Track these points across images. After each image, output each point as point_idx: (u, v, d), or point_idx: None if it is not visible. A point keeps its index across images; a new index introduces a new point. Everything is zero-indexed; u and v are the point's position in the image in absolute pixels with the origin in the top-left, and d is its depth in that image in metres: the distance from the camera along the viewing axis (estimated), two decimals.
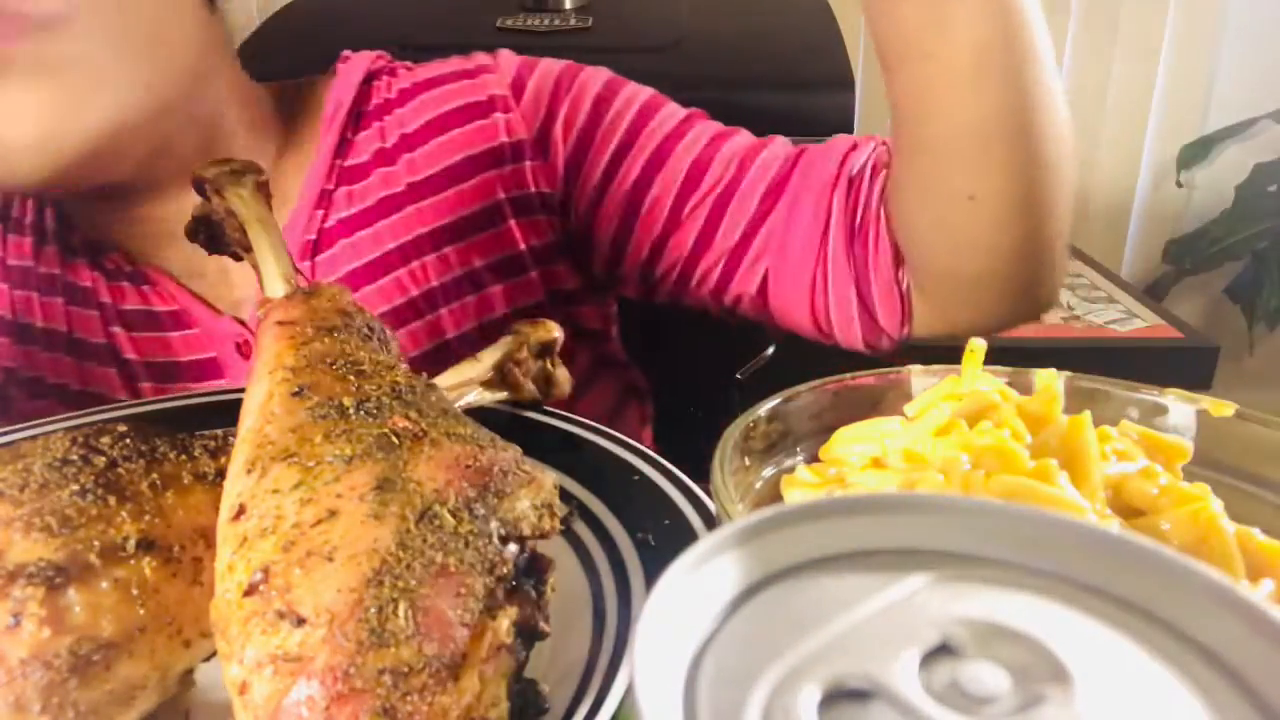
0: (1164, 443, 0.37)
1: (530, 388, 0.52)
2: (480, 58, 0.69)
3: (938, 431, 0.38)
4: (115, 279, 0.64)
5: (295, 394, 0.36)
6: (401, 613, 0.28)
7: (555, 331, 0.53)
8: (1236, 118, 1.75)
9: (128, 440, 0.37)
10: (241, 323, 0.64)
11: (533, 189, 0.66)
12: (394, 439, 0.33)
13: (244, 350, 0.63)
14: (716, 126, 0.67)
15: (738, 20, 1.25)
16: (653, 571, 0.39)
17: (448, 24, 1.33)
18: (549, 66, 0.68)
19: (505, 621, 0.30)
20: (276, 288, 0.43)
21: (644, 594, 0.38)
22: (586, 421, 0.50)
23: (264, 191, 0.46)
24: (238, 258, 0.48)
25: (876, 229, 0.60)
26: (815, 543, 0.20)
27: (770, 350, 0.99)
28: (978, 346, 0.40)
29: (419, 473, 0.32)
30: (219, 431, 0.40)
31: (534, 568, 0.32)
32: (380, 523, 0.30)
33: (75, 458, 0.36)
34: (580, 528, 0.43)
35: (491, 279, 0.66)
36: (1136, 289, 1.54)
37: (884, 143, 0.63)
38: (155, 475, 0.36)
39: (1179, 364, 1.31)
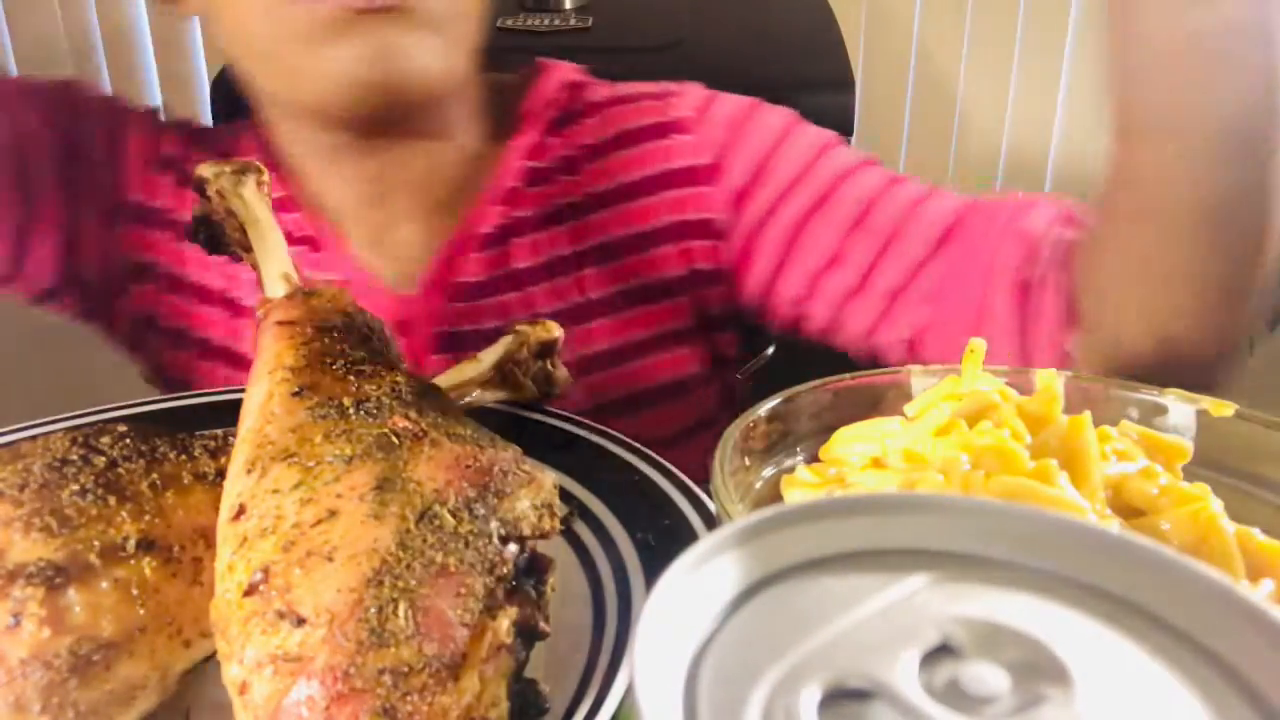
0: (1164, 443, 0.37)
1: (530, 387, 0.52)
2: (668, 85, 0.71)
3: (938, 431, 0.38)
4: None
5: (295, 394, 0.36)
6: (401, 613, 0.28)
7: (555, 331, 0.53)
8: None
9: (128, 440, 0.37)
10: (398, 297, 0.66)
11: (703, 214, 0.68)
12: (394, 439, 0.33)
13: (401, 328, 0.65)
14: (889, 173, 0.67)
15: (738, 20, 1.25)
16: (653, 571, 0.39)
17: None
18: (733, 98, 0.70)
19: (505, 621, 0.30)
20: (277, 288, 0.43)
21: (644, 594, 0.38)
22: (586, 421, 0.50)
23: (264, 191, 0.46)
24: (238, 258, 0.48)
25: (1052, 291, 0.57)
26: (815, 543, 0.20)
27: (770, 350, 0.99)
28: (978, 346, 0.40)
29: (419, 473, 0.32)
30: (219, 431, 0.40)
31: (534, 568, 0.32)
32: (380, 523, 0.30)
33: (75, 458, 0.36)
34: (580, 528, 0.43)
35: (647, 297, 0.68)
36: None
37: (1068, 205, 0.61)
38: (155, 475, 0.36)
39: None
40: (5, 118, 0.65)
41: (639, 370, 0.68)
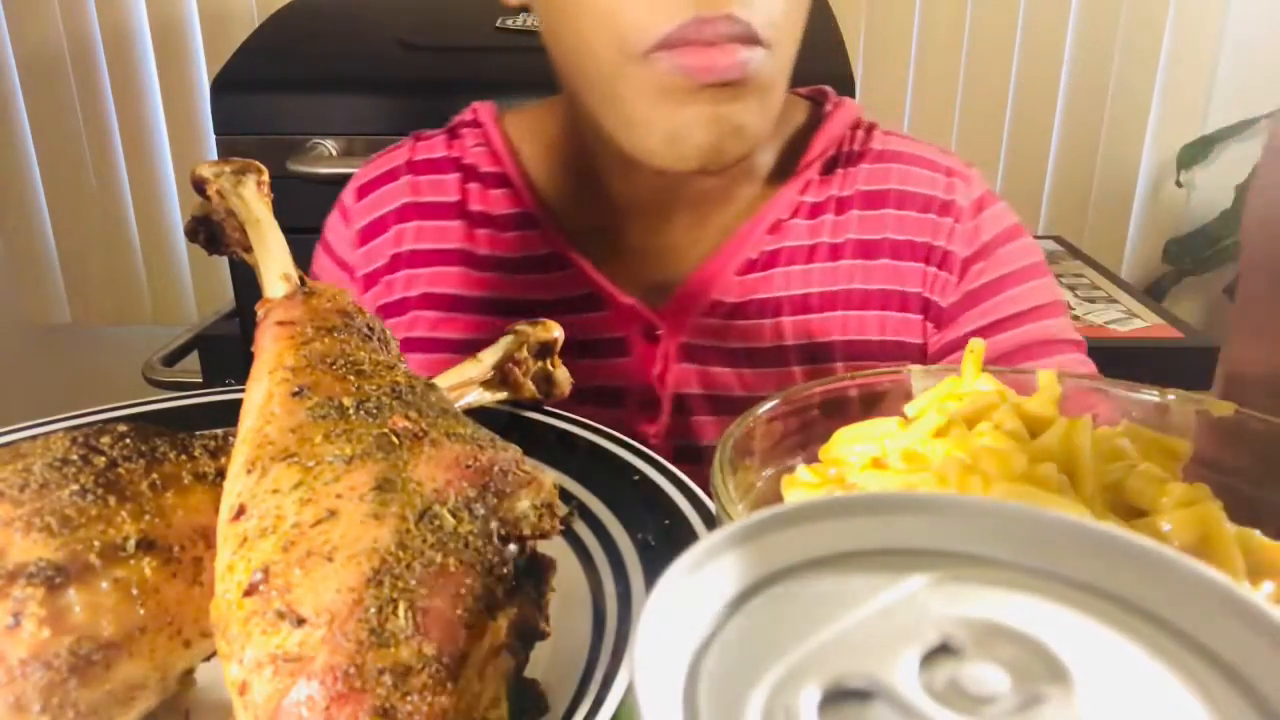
0: (1164, 443, 0.37)
1: (530, 387, 0.52)
2: (956, 161, 0.72)
3: (937, 432, 0.38)
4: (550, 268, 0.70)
5: (295, 394, 0.36)
6: (401, 613, 0.28)
7: (555, 331, 0.53)
8: (1236, 118, 1.75)
9: (128, 440, 0.37)
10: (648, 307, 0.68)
11: (939, 296, 0.69)
12: (394, 439, 0.33)
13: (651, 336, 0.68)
14: (1089, 366, 0.68)
15: None
16: (653, 571, 0.39)
17: (448, 24, 1.33)
18: (1004, 214, 0.71)
19: (505, 621, 0.30)
20: (277, 288, 0.43)
21: (644, 594, 0.38)
22: (586, 421, 0.50)
23: (264, 191, 0.46)
24: (238, 258, 0.48)
25: None
26: (815, 543, 0.20)
27: None
28: (978, 346, 0.40)
29: (419, 473, 0.32)
30: (219, 431, 0.40)
31: (534, 568, 0.32)
32: (380, 523, 0.30)
33: (75, 458, 0.36)
34: (580, 528, 0.43)
35: (857, 354, 0.69)
36: (1136, 289, 1.54)
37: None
38: (155, 475, 0.36)
39: (1179, 364, 1.31)
40: None
41: None
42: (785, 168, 0.71)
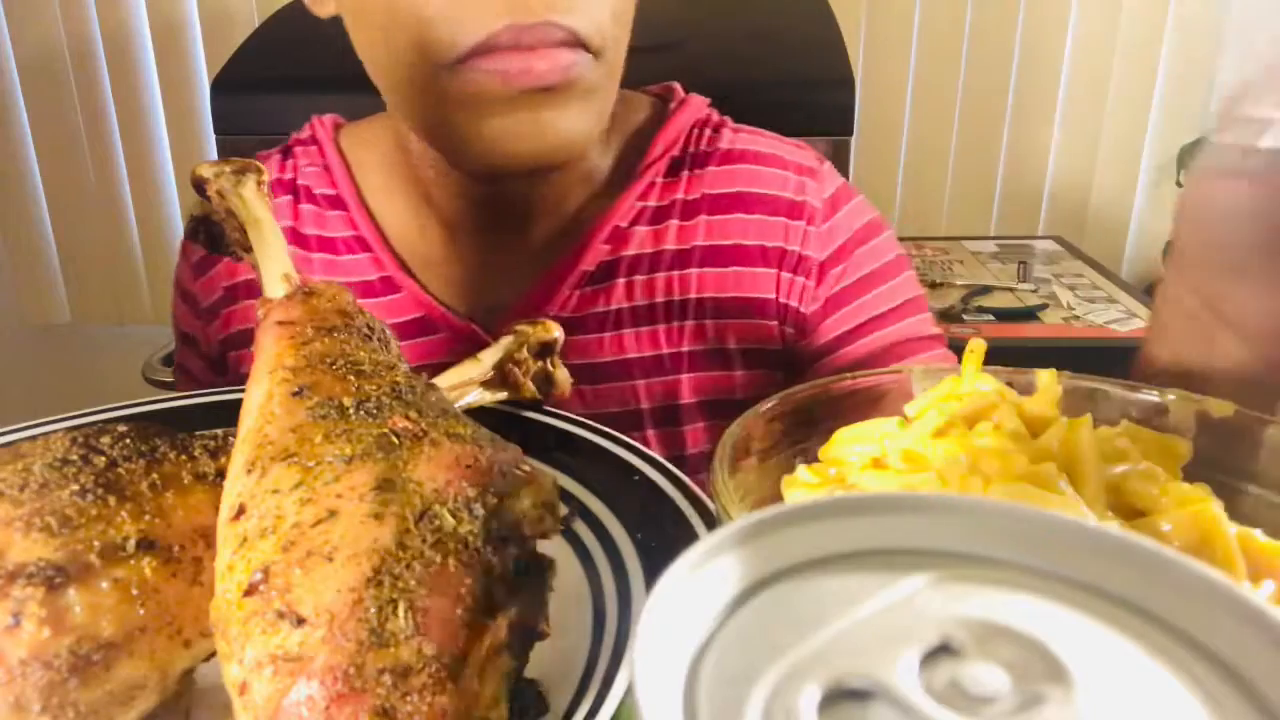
0: (1164, 443, 0.37)
1: (530, 387, 0.52)
2: (807, 156, 0.69)
3: (937, 432, 0.38)
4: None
5: (295, 394, 0.36)
6: (401, 613, 0.28)
7: (555, 331, 0.53)
8: None
9: (127, 440, 0.37)
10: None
11: (797, 302, 0.66)
12: (394, 439, 0.33)
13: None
14: (952, 360, 0.66)
15: (738, 20, 1.25)
16: (653, 571, 0.39)
17: None
18: (860, 210, 0.69)
19: (505, 621, 0.30)
20: (276, 288, 0.43)
21: (644, 594, 0.38)
22: (586, 421, 0.50)
23: (264, 191, 0.46)
24: (238, 258, 0.48)
25: None
26: (815, 543, 0.20)
27: None
28: (978, 346, 0.40)
29: (419, 473, 0.32)
30: (219, 431, 0.40)
31: (534, 568, 0.32)
32: (380, 523, 0.30)
33: (75, 458, 0.36)
34: (580, 528, 0.43)
35: (734, 363, 0.66)
36: (1136, 289, 1.54)
37: None
38: (155, 475, 0.36)
39: None
40: None
41: (715, 429, 0.67)
42: (626, 171, 0.67)
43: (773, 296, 0.66)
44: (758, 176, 0.67)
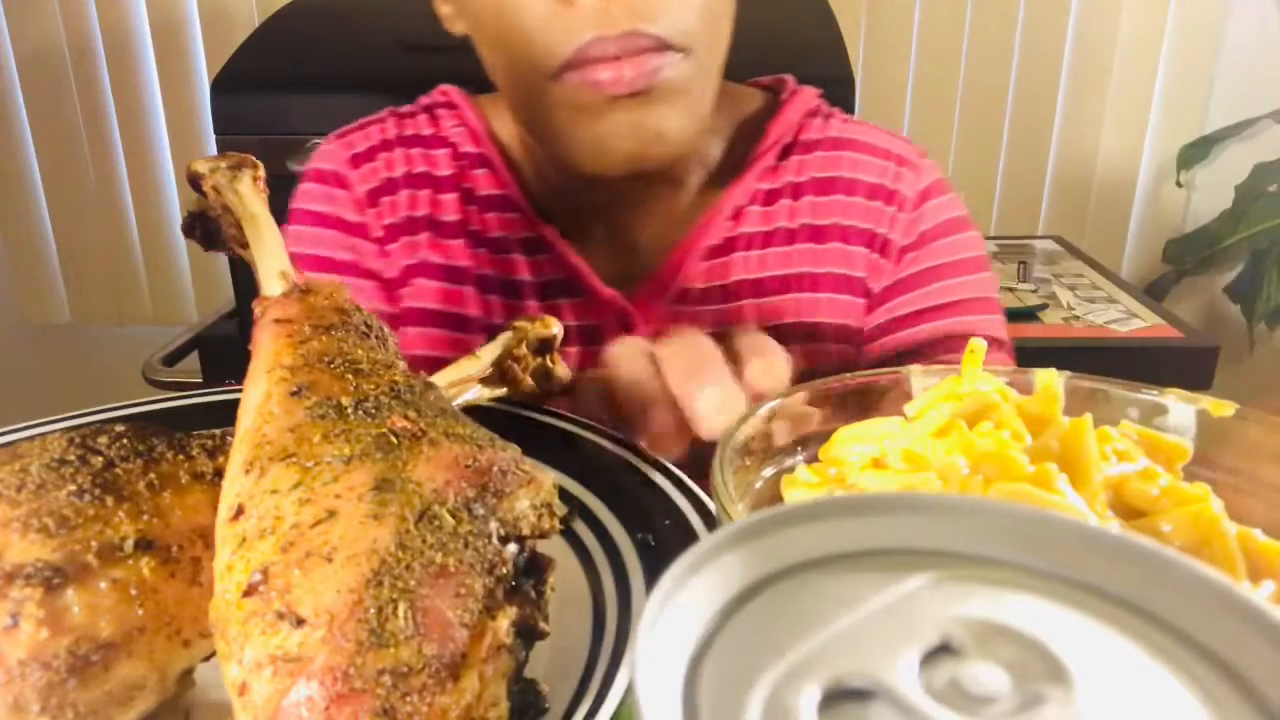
0: (1164, 443, 0.37)
1: (530, 383, 0.52)
2: (908, 149, 0.74)
3: (937, 432, 0.38)
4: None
5: (293, 393, 0.36)
6: (401, 613, 0.28)
7: (554, 327, 0.52)
8: (1236, 118, 1.75)
9: (125, 440, 0.37)
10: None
11: (873, 281, 0.71)
12: (393, 439, 0.33)
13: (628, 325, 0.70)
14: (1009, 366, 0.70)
15: (738, 20, 1.24)
16: (653, 571, 0.39)
17: None
18: (949, 205, 0.73)
19: (505, 621, 0.30)
20: (273, 285, 0.43)
21: (644, 594, 0.38)
22: (586, 421, 0.50)
23: (260, 187, 0.46)
24: (234, 254, 0.48)
25: None
26: (815, 543, 0.20)
27: None
28: (978, 346, 0.40)
29: (418, 473, 0.32)
30: (217, 431, 0.40)
31: (534, 568, 0.32)
32: (379, 523, 0.30)
33: (72, 458, 0.36)
34: (580, 528, 0.43)
35: (815, 336, 0.71)
36: (1136, 289, 1.54)
37: None
38: (153, 475, 0.36)
39: (1179, 364, 1.31)
40: None
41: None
42: (741, 157, 0.72)
43: (862, 276, 0.71)
44: (859, 164, 0.72)
